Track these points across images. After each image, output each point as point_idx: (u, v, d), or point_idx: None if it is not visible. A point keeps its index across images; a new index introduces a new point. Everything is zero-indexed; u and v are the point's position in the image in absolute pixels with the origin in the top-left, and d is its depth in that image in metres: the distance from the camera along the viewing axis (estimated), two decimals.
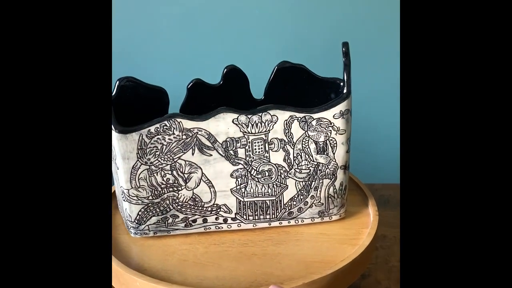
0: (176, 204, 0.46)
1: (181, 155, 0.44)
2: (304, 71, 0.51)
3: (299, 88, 0.52)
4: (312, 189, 0.48)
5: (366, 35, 0.78)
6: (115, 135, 0.43)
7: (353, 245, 0.46)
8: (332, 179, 0.47)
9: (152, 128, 0.43)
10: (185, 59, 0.76)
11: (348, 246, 0.46)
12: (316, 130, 0.45)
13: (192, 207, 0.47)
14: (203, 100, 0.50)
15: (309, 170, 0.47)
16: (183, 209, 0.47)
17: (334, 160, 0.47)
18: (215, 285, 0.41)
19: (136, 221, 0.46)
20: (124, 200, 0.46)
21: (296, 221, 0.49)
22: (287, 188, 0.47)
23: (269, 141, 0.45)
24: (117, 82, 0.48)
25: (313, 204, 0.48)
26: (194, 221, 0.47)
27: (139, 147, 0.43)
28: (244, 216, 0.48)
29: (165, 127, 0.43)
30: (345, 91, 0.44)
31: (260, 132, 0.45)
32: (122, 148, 0.43)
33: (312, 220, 0.49)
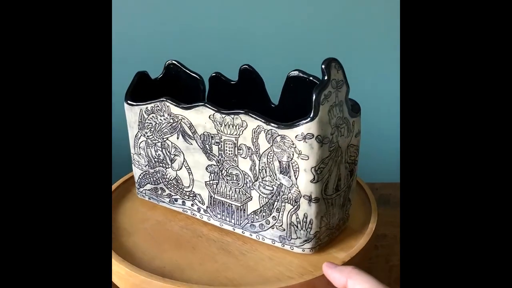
0: (164, 179, 0.51)
1: (169, 137, 0.48)
2: (315, 83, 0.46)
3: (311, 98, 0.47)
4: (274, 210, 0.44)
5: (367, 35, 0.81)
6: (125, 105, 0.50)
7: (279, 280, 0.41)
8: (295, 207, 0.42)
9: (149, 106, 0.48)
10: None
11: (272, 280, 0.41)
12: (280, 148, 0.41)
13: (175, 186, 0.50)
14: (224, 94, 0.52)
15: (272, 188, 0.43)
16: (168, 186, 0.51)
17: (296, 186, 0.41)
18: (135, 257, 0.44)
19: (138, 183, 0.53)
20: (132, 163, 0.53)
21: (258, 237, 0.46)
22: (251, 199, 0.45)
23: (238, 145, 0.44)
24: (166, 63, 0.55)
25: (275, 226, 0.44)
26: (176, 200, 0.51)
27: (139, 120, 0.50)
28: (213, 212, 0.48)
29: (157, 107, 0.48)
30: (312, 113, 0.39)
31: (231, 135, 0.44)
32: (129, 117, 0.50)
33: (273, 242, 0.45)
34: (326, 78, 0.39)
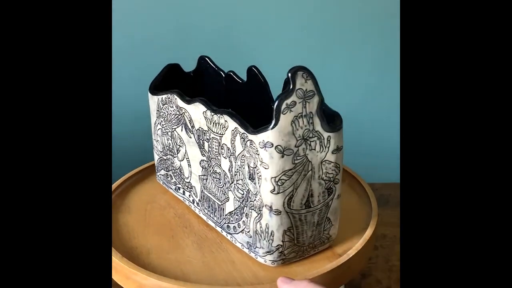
0: (172, 167, 0.53)
1: (176, 128, 0.50)
2: None
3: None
4: (244, 215, 0.43)
5: (369, 35, 0.83)
6: (148, 93, 0.53)
7: (226, 285, 0.40)
8: (259, 215, 0.41)
9: (163, 97, 0.51)
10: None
11: (221, 282, 0.40)
12: (249, 153, 0.40)
13: (179, 176, 0.52)
14: (237, 93, 0.52)
15: (243, 193, 0.42)
16: (174, 174, 0.53)
17: (259, 193, 0.40)
18: (119, 233, 0.48)
19: (156, 167, 0.57)
20: (153, 148, 0.56)
21: (231, 239, 0.45)
22: (228, 200, 0.45)
23: (221, 145, 0.44)
24: (198, 58, 0.57)
25: (244, 231, 0.43)
26: (179, 188, 0.53)
27: (157, 109, 0.53)
28: (202, 207, 0.49)
29: (168, 99, 0.50)
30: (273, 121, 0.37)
31: (217, 134, 0.44)
32: (150, 105, 0.54)
33: (242, 247, 0.44)
34: (290, 87, 0.37)
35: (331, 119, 0.40)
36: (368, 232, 0.46)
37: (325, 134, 0.40)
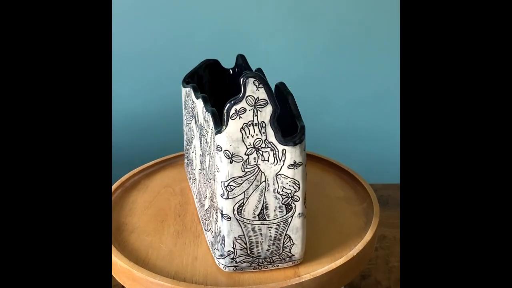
0: (189, 158, 0.55)
1: (191, 120, 0.52)
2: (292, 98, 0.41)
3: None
4: (212, 215, 0.43)
5: (369, 36, 0.85)
6: (181, 85, 0.56)
7: (175, 277, 0.40)
8: (216, 217, 0.40)
9: (186, 90, 0.53)
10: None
11: (171, 274, 0.41)
12: (215, 154, 0.40)
13: (191, 166, 0.54)
14: None
15: (212, 192, 0.42)
16: (189, 164, 0.54)
17: (216, 195, 0.39)
18: (123, 207, 0.52)
19: (184, 155, 0.59)
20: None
21: (206, 235, 0.45)
22: (206, 197, 0.45)
23: (207, 142, 0.44)
24: (237, 56, 0.57)
25: (210, 230, 0.43)
26: (190, 178, 0.54)
27: (184, 100, 0.55)
28: (197, 199, 0.50)
29: (188, 92, 0.52)
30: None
31: (206, 131, 0.45)
32: (182, 96, 0.56)
33: (209, 245, 0.44)
34: (241, 93, 0.36)
35: (292, 132, 0.38)
36: (298, 279, 0.40)
37: (280, 147, 0.37)
